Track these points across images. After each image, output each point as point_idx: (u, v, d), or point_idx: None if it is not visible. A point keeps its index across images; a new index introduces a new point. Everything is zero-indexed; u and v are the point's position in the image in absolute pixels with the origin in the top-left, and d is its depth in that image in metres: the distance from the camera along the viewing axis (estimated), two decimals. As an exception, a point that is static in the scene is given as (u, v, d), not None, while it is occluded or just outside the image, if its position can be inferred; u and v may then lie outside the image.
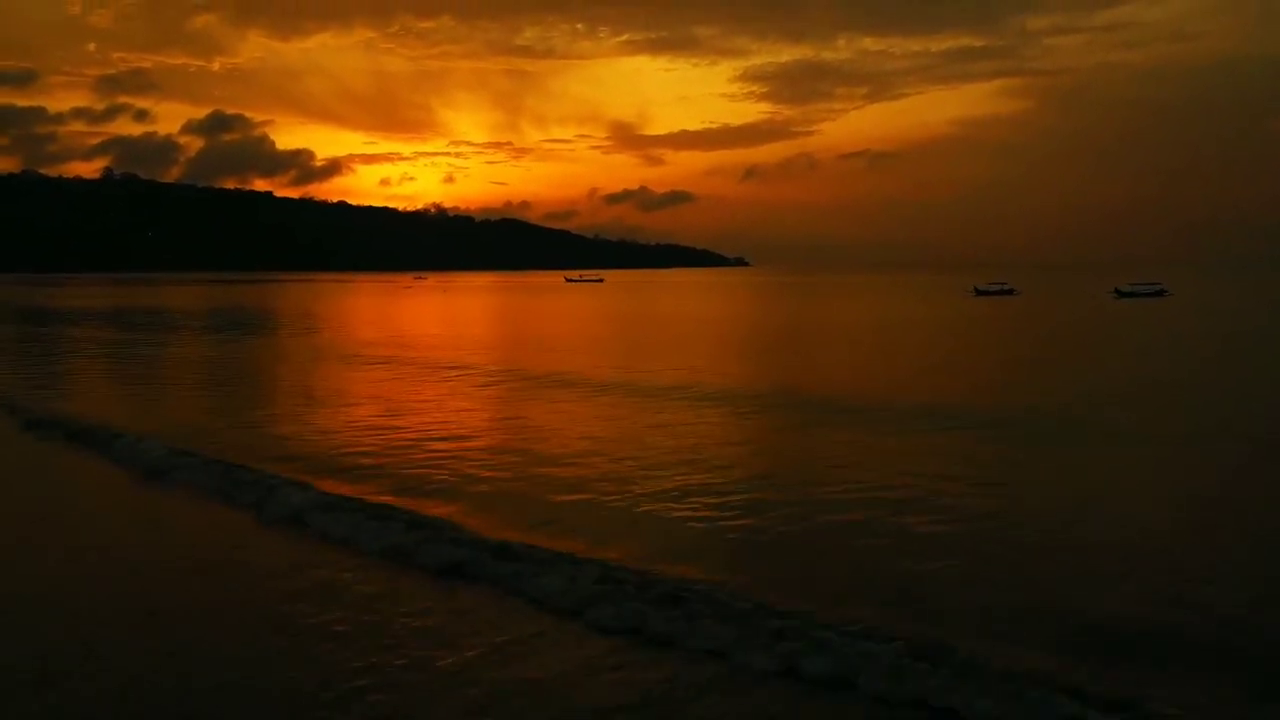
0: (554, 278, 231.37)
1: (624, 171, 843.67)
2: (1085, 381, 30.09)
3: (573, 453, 18.35)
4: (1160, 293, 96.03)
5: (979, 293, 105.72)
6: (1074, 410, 23.54)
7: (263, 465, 16.95)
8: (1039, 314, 70.20)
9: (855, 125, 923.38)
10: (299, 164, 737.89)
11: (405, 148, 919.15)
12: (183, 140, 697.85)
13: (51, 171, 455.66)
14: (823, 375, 31.62)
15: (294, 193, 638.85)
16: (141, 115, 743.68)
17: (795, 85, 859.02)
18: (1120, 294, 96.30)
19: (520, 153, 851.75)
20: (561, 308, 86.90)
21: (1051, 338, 48.07)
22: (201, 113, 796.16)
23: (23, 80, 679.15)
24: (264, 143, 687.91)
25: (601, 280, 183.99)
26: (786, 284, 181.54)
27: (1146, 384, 29.58)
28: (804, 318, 70.16)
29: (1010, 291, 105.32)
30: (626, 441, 19.42)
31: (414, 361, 34.97)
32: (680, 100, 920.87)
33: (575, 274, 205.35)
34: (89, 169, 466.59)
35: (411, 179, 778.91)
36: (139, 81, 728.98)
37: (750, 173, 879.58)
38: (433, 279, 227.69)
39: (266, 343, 46.79)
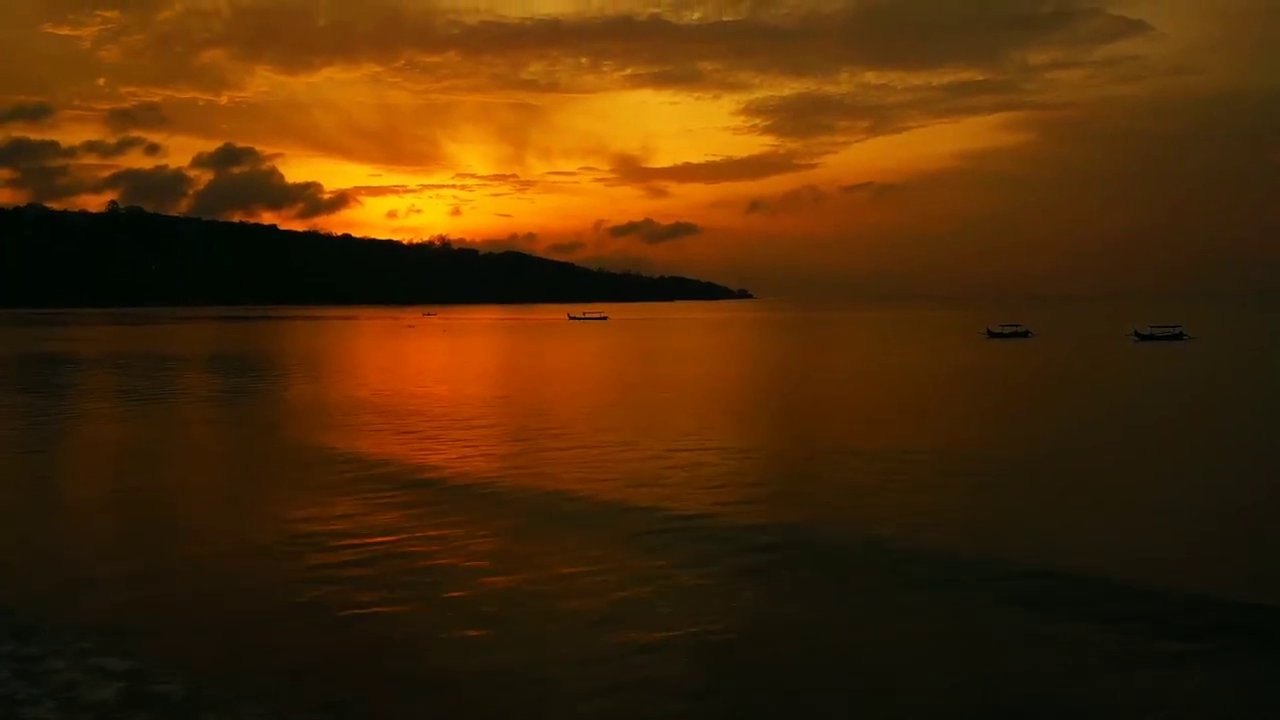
0: (558, 314, 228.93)
1: (628, 204, 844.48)
2: (1122, 493, 25.74)
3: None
4: (1179, 335, 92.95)
5: (992, 335, 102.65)
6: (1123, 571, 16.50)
7: None
8: (1058, 363, 67.10)
9: (858, 158, 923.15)
10: (307, 197, 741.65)
11: (411, 180, 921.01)
12: (193, 174, 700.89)
13: (64, 204, 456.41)
14: (803, 479, 25.32)
15: (302, 225, 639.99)
16: (153, 149, 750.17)
17: (798, 118, 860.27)
18: (1140, 337, 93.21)
19: (525, 185, 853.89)
20: (561, 356, 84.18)
21: (1077, 398, 45.01)
22: (212, 146, 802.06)
23: (37, 115, 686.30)
24: (273, 175, 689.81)
25: (605, 318, 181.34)
26: (788, 322, 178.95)
27: (1194, 491, 26.34)
28: (803, 370, 67.14)
29: (1025, 334, 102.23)
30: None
31: (352, 460, 27.49)
32: (684, 133, 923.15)
33: (579, 311, 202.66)
34: (99, 202, 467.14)
35: (418, 211, 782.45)
36: (152, 116, 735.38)
37: (755, 205, 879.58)
38: (440, 314, 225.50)
39: (184, 415, 41.26)
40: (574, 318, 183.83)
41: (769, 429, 34.63)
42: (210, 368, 67.55)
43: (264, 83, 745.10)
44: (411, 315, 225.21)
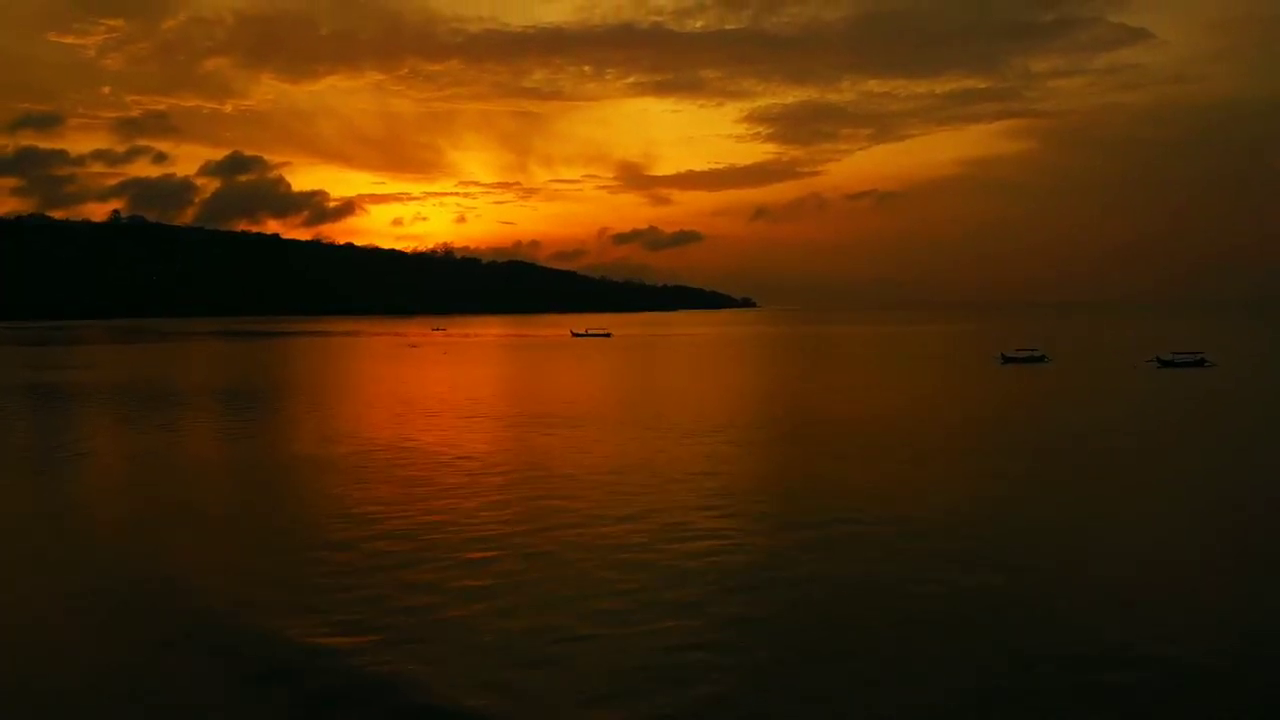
0: (561, 327, 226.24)
1: (631, 211, 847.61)
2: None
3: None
4: (1201, 362, 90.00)
5: (1006, 360, 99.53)
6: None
7: None
8: (1078, 396, 64.00)
9: (860, 165, 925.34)
10: (313, 205, 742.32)
11: (414, 188, 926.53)
12: (200, 182, 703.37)
13: (71, 212, 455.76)
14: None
15: (308, 233, 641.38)
16: (160, 158, 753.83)
17: (800, 126, 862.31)
18: (1161, 363, 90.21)
19: (528, 193, 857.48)
20: (560, 388, 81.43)
21: (1108, 452, 41.98)
22: (219, 155, 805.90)
23: (45, 123, 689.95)
24: (279, 184, 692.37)
25: (609, 335, 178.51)
26: (791, 340, 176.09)
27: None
28: (806, 418, 64.16)
29: (1041, 358, 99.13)
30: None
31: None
32: (687, 141, 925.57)
33: (582, 327, 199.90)
34: (106, 210, 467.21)
35: (424, 219, 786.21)
36: (159, 124, 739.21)
37: (759, 213, 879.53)
38: (448, 329, 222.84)
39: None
40: (577, 334, 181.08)
41: (769, 522, 31.59)
42: (173, 406, 64.60)
43: (268, 91, 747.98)
44: (416, 330, 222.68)
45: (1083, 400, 63.56)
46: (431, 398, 65.92)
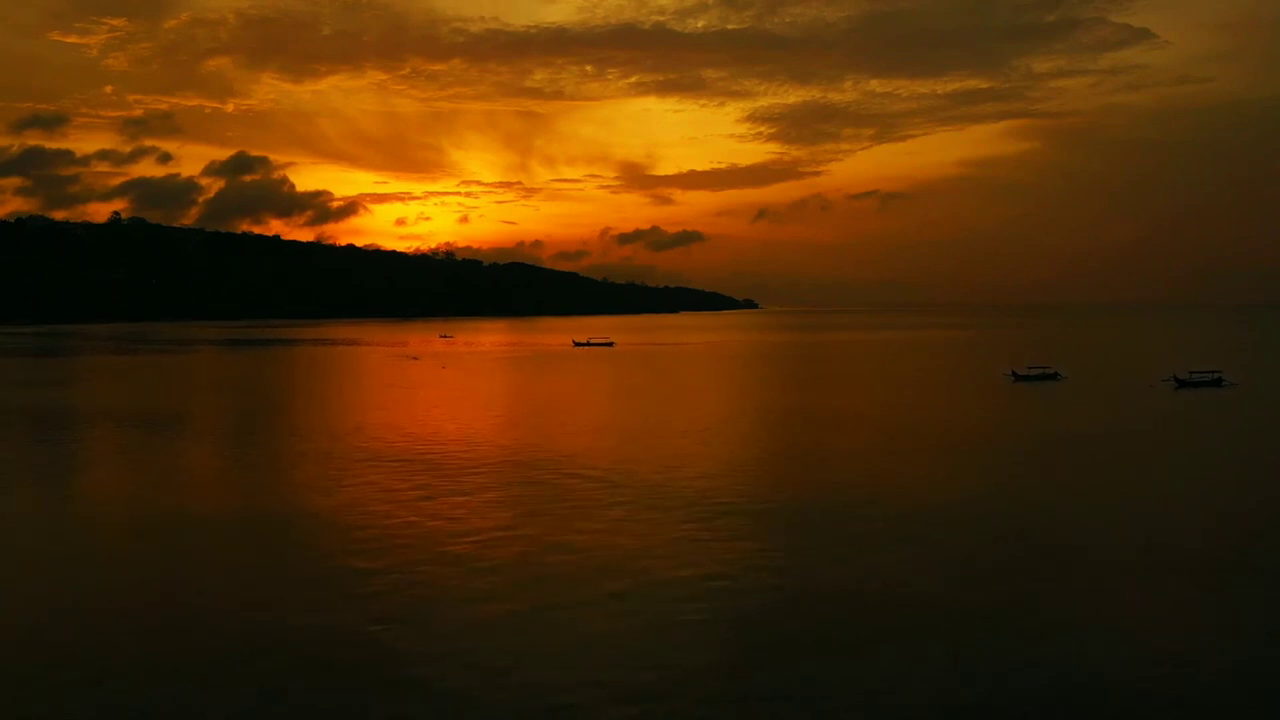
0: (564, 335, 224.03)
1: (634, 211, 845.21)
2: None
3: None
4: (1219, 381, 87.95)
5: (1017, 378, 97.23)
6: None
7: None
8: (1097, 424, 61.55)
9: (862, 165, 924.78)
10: (316, 205, 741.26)
11: (416, 187, 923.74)
12: (204, 182, 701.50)
13: (73, 213, 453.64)
14: None
15: (310, 234, 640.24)
16: (165, 158, 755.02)
17: (802, 126, 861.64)
18: (1179, 382, 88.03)
19: (530, 192, 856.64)
20: (558, 422, 79.29)
21: (1137, 498, 39.80)
22: (224, 155, 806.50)
23: (52, 124, 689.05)
24: (283, 184, 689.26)
25: (611, 344, 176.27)
26: (791, 350, 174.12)
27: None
28: (797, 451, 61.94)
29: (1054, 376, 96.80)
30: None
31: None
32: (688, 141, 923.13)
33: (584, 336, 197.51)
34: (109, 210, 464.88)
35: (426, 219, 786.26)
36: (165, 125, 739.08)
37: (761, 213, 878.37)
38: (455, 336, 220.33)
39: None
40: (579, 344, 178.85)
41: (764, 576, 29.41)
42: (139, 446, 62.49)
43: (270, 91, 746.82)
44: (420, 337, 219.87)
45: (1102, 428, 61.04)
46: (424, 434, 63.74)
